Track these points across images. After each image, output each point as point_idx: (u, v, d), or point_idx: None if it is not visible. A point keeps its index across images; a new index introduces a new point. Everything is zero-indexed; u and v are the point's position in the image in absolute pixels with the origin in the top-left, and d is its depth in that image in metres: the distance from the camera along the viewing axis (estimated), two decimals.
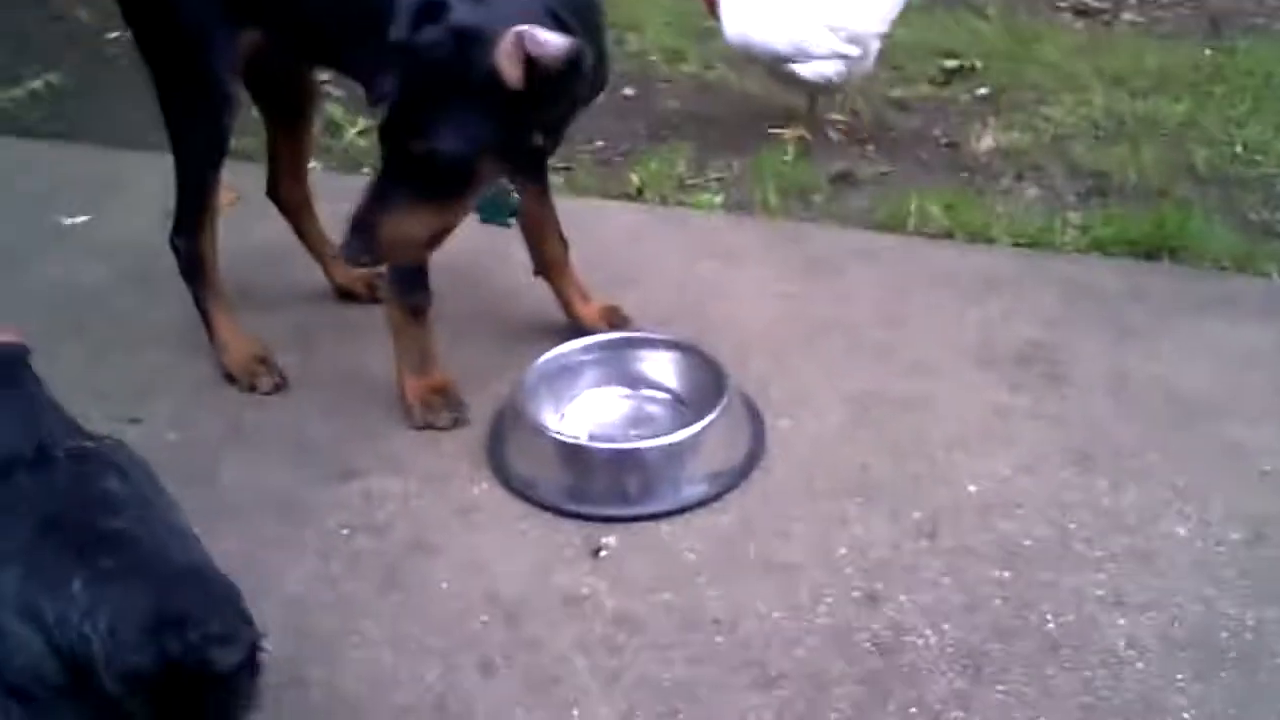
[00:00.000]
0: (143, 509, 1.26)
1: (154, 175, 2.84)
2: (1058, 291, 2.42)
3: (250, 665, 1.17)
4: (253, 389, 2.14)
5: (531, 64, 1.58)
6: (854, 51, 2.93)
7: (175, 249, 2.16)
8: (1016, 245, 2.64)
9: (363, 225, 1.68)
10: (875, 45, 3.00)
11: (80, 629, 1.12)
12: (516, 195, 1.94)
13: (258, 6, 1.95)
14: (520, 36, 1.58)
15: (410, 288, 2.01)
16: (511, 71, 1.59)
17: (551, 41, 1.59)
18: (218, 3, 1.94)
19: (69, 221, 2.69)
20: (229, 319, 2.19)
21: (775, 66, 3.01)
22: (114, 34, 3.72)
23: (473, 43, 1.60)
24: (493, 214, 1.95)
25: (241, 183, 2.48)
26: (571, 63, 1.59)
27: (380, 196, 1.68)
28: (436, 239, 1.78)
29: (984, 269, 2.51)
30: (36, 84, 3.39)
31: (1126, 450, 1.99)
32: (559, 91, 1.63)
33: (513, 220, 1.99)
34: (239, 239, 2.48)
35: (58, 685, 1.14)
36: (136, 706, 1.14)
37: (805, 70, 2.95)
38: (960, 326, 2.32)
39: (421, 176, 1.66)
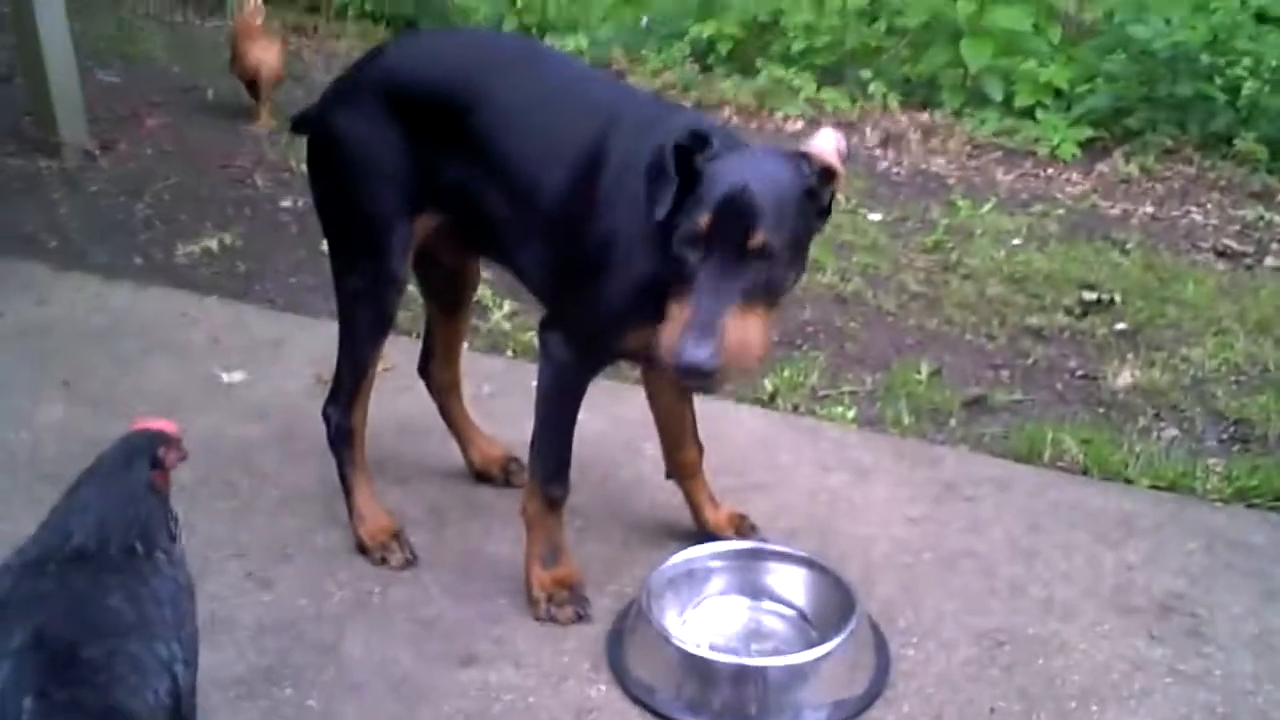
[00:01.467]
0: (129, 637, 1.35)
1: (310, 340, 3.00)
2: (1200, 541, 2.35)
3: None
4: (384, 562, 2.18)
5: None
6: None
7: (326, 418, 2.24)
8: (1155, 488, 2.58)
9: (707, 328, 1.66)
10: None
11: None
12: None
13: (439, 196, 2.06)
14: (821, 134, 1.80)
15: (552, 478, 2.04)
16: (835, 153, 1.77)
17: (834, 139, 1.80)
18: (401, 190, 2.05)
19: (227, 378, 2.82)
20: (369, 491, 2.25)
21: None
22: (286, 202, 3.97)
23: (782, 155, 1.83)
24: None
25: (391, 354, 2.58)
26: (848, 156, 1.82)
27: (711, 303, 1.68)
28: (765, 344, 1.76)
29: (1121, 510, 2.46)
30: (210, 242, 3.60)
31: (1272, 715, 1.89)
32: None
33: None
34: (382, 409, 2.56)
35: None
36: None
37: None
38: (1096, 569, 2.27)
39: (745, 280, 1.69)
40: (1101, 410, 2.94)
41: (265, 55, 4.64)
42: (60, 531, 1.45)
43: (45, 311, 3.13)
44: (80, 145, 4.21)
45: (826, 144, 1.77)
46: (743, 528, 2.28)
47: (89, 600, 1.38)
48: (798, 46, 5.90)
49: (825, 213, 1.80)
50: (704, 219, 1.69)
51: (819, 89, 5.66)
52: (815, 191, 1.75)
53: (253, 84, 4.74)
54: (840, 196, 1.72)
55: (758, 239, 1.68)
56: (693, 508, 2.29)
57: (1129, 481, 2.60)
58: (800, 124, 5.46)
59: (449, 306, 2.37)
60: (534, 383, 2.82)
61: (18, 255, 3.45)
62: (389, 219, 2.07)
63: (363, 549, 2.21)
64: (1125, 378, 3.08)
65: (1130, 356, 3.21)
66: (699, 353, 1.64)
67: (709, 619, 2.06)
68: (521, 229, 1.98)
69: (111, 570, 1.41)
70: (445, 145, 2.02)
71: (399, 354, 2.66)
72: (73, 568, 1.41)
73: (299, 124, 2.28)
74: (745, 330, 1.68)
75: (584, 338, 1.97)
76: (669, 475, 2.29)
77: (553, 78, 2.07)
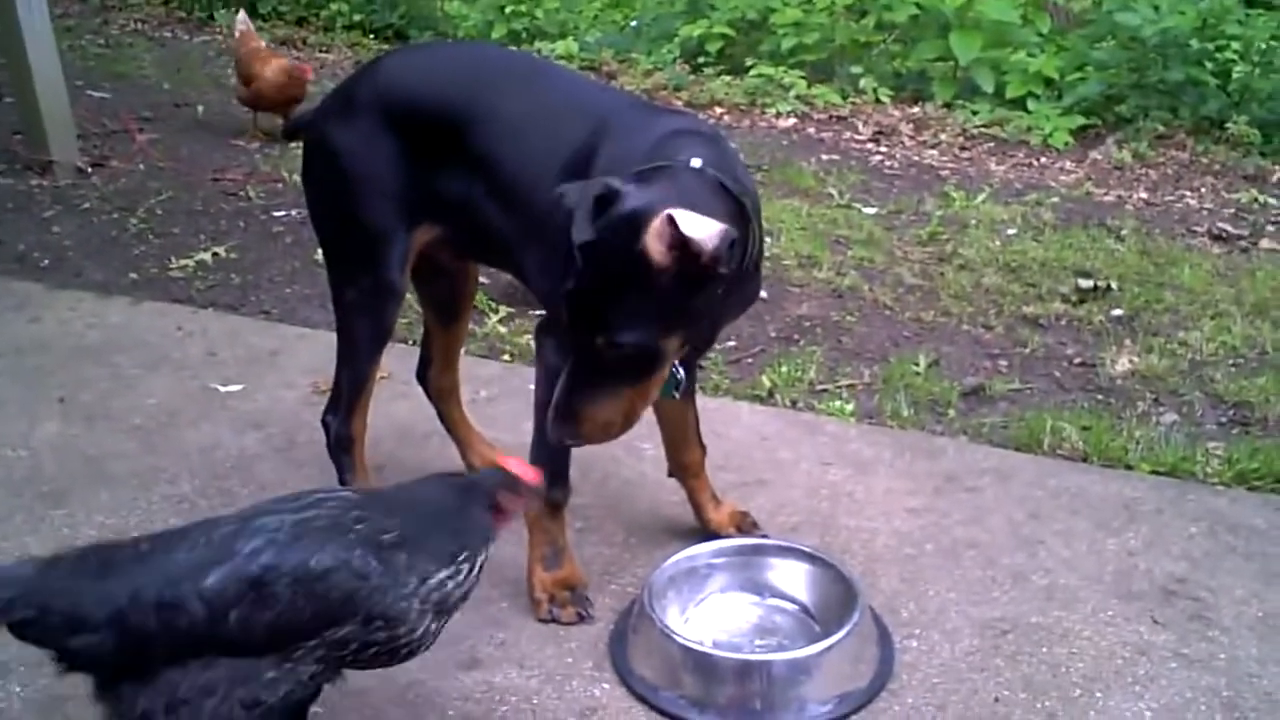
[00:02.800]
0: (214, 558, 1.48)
1: (307, 350, 3.00)
2: (1201, 525, 2.35)
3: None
4: None
5: (684, 246, 1.60)
6: None
7: (326, 426, 2.24)
8: (1155, 473, 2.58)
9: (565, 412, 1.73)
10: None
11: None
12: (681, 371, 1.92)
13: (436, 208, 2.07)
14: (671, 218, 1.60)
15: (552, 481, 2.04)
16: (659, 254, 1.62)
17: (702, 224, 1.60)
18: (398, 204, 2.06)
19: (224, 389, 2.82)
20: None
21: None
22: (280, 213, 3.97)
23: (634, 227, 1.63)
24: (664, 388, 1.96)
25: (388, 360, 2.58)
26: (730, 243, 1.62)
27: (575, 386, 1.72)
28: (633, 419, 1.80)
29: (1122, 496, 2.46)
30: (204, 255, 3.60)
31: (1277, 698, 1.89)
32: (715, 277, 1.65)
33: (678, 393, 1.97)
34: (380, 416, 2.56)
35: None
36: None
37: None
38: (1098, 555, 2.26)
39: (608, 366, 1.70)
40: (1100, 397, 2.94)
41: (266, 71, 4.63)
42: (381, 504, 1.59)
43: (39, 329, 3.12)
44: (71, 163, 4.22)
45: (696, 229, 1.63)
46: (745, 525, 2.28)
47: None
48: (787, 44, 5.91)
49: (711, 284, 1.67)
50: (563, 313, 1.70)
51: (809, 86, 5.68)
52: (680, 274, 1.63)
53: (256, 103, 4.73)
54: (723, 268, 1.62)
55: (602, 341, 1.68)
56: (695, 506, 2.28)
57: (1129, 467, 2.60)
58: (792, 120, 5.47)
59: (447, 315, 2.37)
60: (532, 387, 2.84)
61: (11, 274, 3.45)
62: (386, 232, 2.08)
63: None
64: (1123, 364, 3.08)
65: (1128, 342, 3.21)
66: (559, 433, 1.76)
67: (712, 616, 2.05)
68: (519, 236, 1.98)
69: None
70: (441, 158, 2.02)
71: (395, 361, 2.65)
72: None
73: (290, 130, 2.29)
74: (604, 413, 1.74)
75: None
76: (671, 474, 2.28)
77: (545, 87, 2.08)
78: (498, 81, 2.07)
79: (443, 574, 1.54)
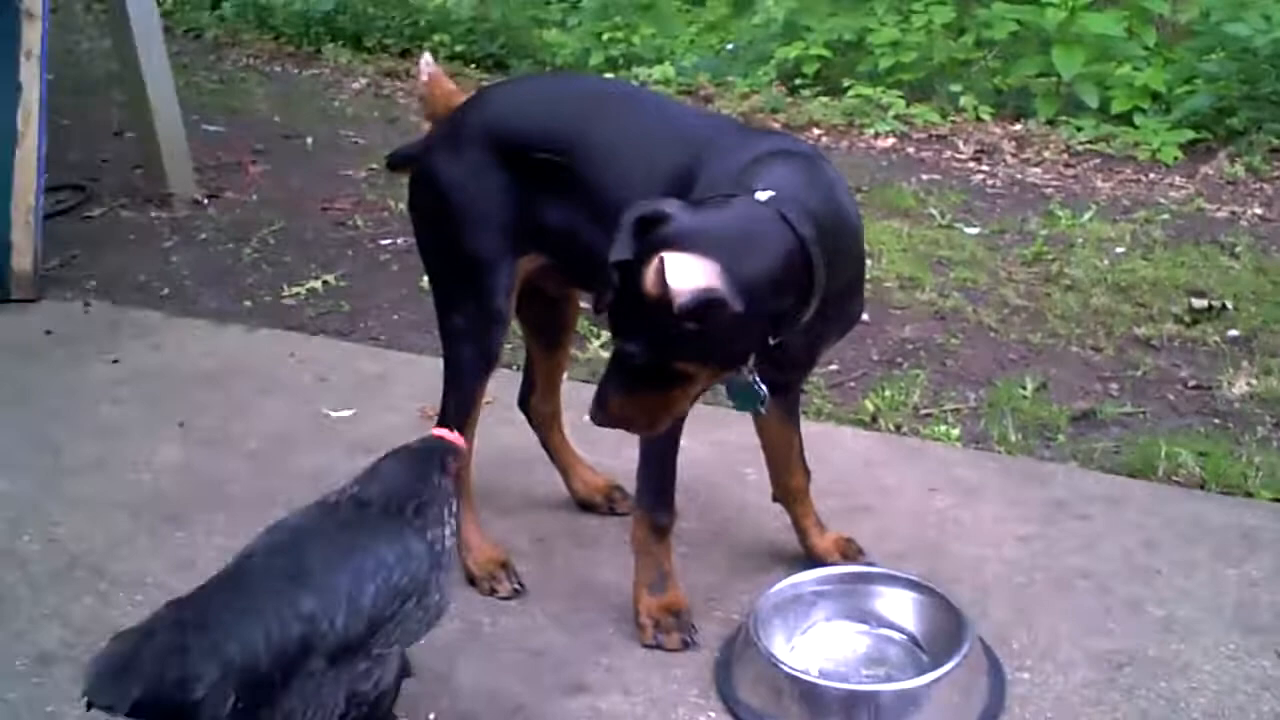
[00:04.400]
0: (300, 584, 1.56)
1: (414, 375, 3.06)
2: None
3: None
4: (492, 592, 2.21)
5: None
6: None
7: None
8: (1278, 501, 2.50)
9: (601, 400, 1.82)
10: None
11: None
12: (764, 388, 1.93)
13: (541, 237, 2.10)
14: (661, 263, 1.65)
15: (657, 505, 2.05)
16: (652, 292, 1.67)
17: (681, 278, 1.63)
18: (504, 233, 2.10)
19: (334, 414, 2.89)
20: (474, 523, 2.28)
21: None
22: (387, 241, 4.07)
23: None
24: (743, 402, 1.97)
25: (492, 386, 2.62)
26: (707, 303, 1.64)
27: (610, 380, 1.81)
28: (658, 421, 1.86)
29: (1242, 524, 2.38)
30: (315, 283, 3.70)
31: None
32: (721, 318, 1.67)
33: (764, 408, 1.98)
34: (485, 442, 2.59)
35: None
36: None
37: None
38: (1218, 586, 2.20)
39: (633, 371, 1.78)
40: (1217, 421, 2.86)
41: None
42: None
43: (159, 356, 3.24)
44: (189, 195, 4.37)
45: (678, 278, 1.65)
46: (849, 552, 2.26)
47: (327, 543, 1.63)
48: (885, 64, 5.87)
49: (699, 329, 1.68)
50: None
51: (908, 105, 5.62)
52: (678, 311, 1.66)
53: None
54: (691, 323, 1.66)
55: (619, 342, 1.78)
56: (799, 532, 2.27)
57: (1249, 494, 2.52)
58: (891, 140, 5.42)
59: (549, 341, 2.40)
60: None
61: (132, 303, 3.58)
62: (493, 261, 2.12)
63: (471, 580, 2.24)
64: (1241, 386, 2.99)
65: (1245, 364, 3.11)
66: (593, 414, 1.83)
67: (818, 645, 2.04)
68: None
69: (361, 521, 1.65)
70: (546, 187, 2.06)
71: (499, 386, 2.68)
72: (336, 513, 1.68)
73: (394, 163, 2.36)
74: (630, 409, 1.82)
75: None
76: (775, 499, 2.28)
77: (644, 113, 2.11)
78: (598, 110, 2.11)
79: (445, 535, 1.70)
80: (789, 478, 2.23)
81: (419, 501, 1.68)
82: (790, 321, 1.80)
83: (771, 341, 1.80)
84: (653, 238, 1.71)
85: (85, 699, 1.43)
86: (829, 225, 1.82)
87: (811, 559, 2.25)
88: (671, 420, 1.88)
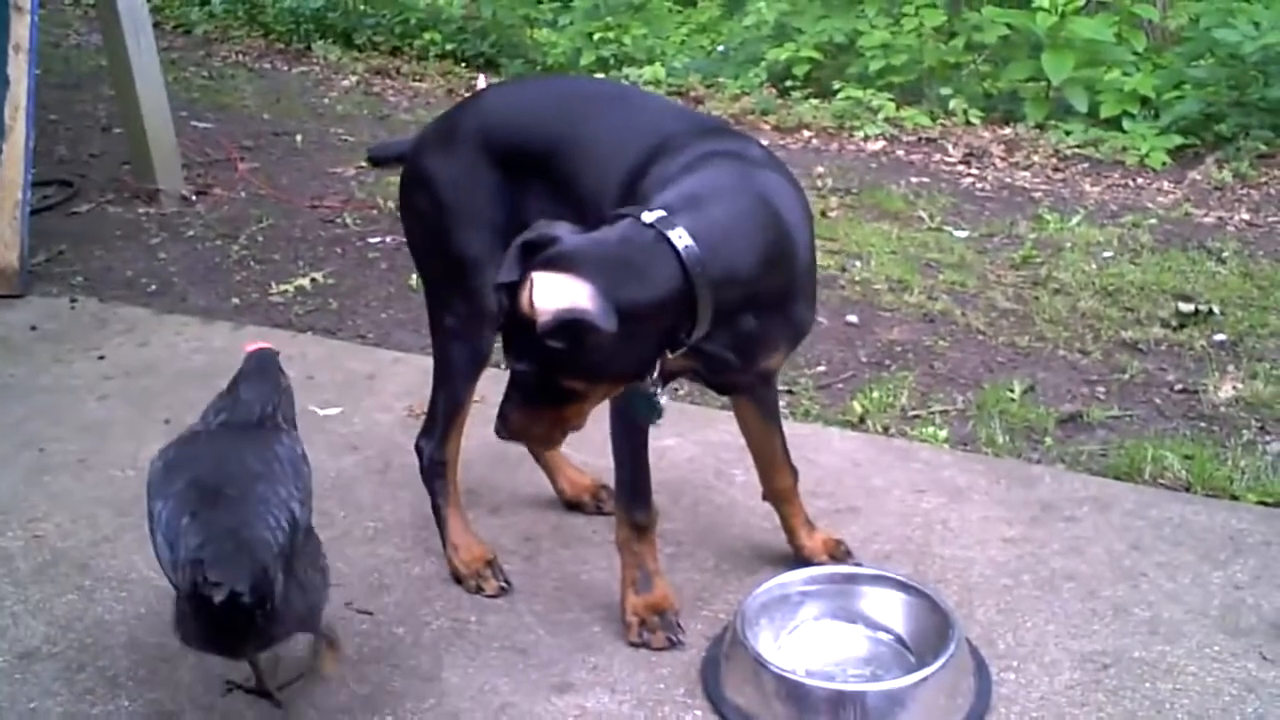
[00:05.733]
0: (258, 483, 1.78)
1: (402, 373, 3.06)
2: None
3: (240, 606, 1.61)
4: (479, 590, 2.21)
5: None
6: None
7: (419, 451, 2.28)
8: (1262, 503, 2.51)
9: (502, 415, 1.86)
10: None
11: (178, 553, 1.69)
12: (663, 400, 1.91)
13: None
14: (531, 284, 1.68)
15: (633, 504, 2.05)
16: (524, 312, 1.69)
17: (547, 300, 1.65)
18: (496, 233, 2.09)
19: (322, 412, 2.88)
20: (461, 521, 2.27)
21: None
22: (375, 239, 4.06)
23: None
24: (638, 412, 1.95)
25: (480, 385, 2.61)
26: (570, 323, 1.64)
27: (509, 395, 1.84)
28: (556, 435, 1.90)
29: (1228, 527, 2.39)
30: (303, 281, 3.69)
31: None
32: (585, 343, 1.67)
33: (659, 420, 1.95)
34: (473, 441, 2.59)
35: (177, 586, 1.70)
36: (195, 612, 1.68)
37: None
38: (1203, 588, 2.20)
39: (527, 385, 1.80)
40: (1203, 425, 2.87)
41: None
42: (219, 414, 1.95)
43: (146, 353, 3.23)
44: (177, 192, 4.36)
45: (544, 299, 1.67)
46: (838, 552, 2.26)
47: (228, 455, 1.84)
48: (875, 66, 5.88)
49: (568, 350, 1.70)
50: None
51: (898, 108, 5.64)
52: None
53: None
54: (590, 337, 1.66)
55: (510, 360, 1.81)
56: (788, 532, 2.28)
57: (1235, 498, 2.53)
58: (881, 143, 5.43)
59: None
60: None
61: (120, 300, 3.57)
62: (484, 260, 2.11)
63: (458, 578, 2.23)
64: (1227, 390, 3.00)
65: (1231, 368, 3.13)
66: (497, 429, 1.87)
67: (805, 644, 2.04)
68: None
69: (245, 436, 1.89)
70: (537, 190, 2.07)
71: (487, 385, 2.68)
72: (220, 435, 1.91)
73: (375, 158, 2.40)
74: (528, 424, 1.86)
75: None
76: (765, 498, 2.28)
77: (626, 114, 2.10)
78: (584, 111, 2.11)
79: (295, 427, 1.98)
80: (775, 478, 2.23)
81: (282, 411, 1.95)
82: (678, 340, 1.80)
83: (670, 355, 1.81)
84: (536, 260, 1.73)
85: (213, 585, 1.60)
86: (739, 238, 1.80)
87: (799, 559, 2.25)
88: (570, 431, 1.89)
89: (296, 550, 1.75)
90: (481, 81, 3.99)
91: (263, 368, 2.00)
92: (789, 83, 6.05)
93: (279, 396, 1.97)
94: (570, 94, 2.26)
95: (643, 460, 2.07)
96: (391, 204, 4.08)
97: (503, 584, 2.21)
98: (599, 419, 2.81)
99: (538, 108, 2.17)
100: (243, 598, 1.60)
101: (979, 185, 4.90)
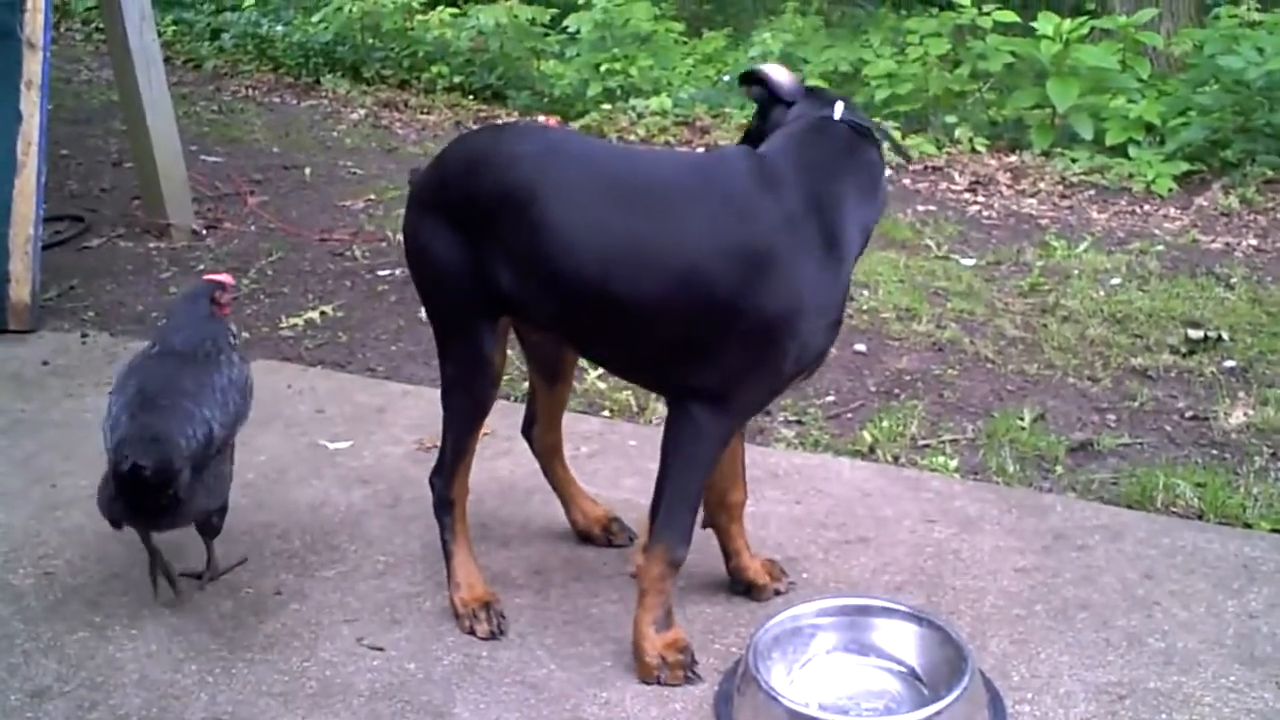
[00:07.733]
0: (186, 400, 2.19)
1: (412, 406, 3.06)
2: None
3: (146, 483, 2.06)
4: (471, 631, 2.18)
5: None
6: None
7: (432, 485, 2.28)
8: (1276, 531, 2.50)
9: None
10: None
11: (112, 439, 2.14)
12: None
13: (509, 304, 2.10)
14: None
15: (679, 542, 2.04)
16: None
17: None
18: (473, 298, 2.11)
19: (332, 446, 2.89)
20: (467, 559, 2.26)
21: None
22: (385, 271, 4.07)
23: None
24: None
25: (490, 418, 2.61)
26: None
27: None
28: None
29: (1241, 555, 2.38)
30: (313, 314, 3.70)
31: None
32: None
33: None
34: (486, 473, 2.60)
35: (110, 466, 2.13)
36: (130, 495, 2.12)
37: None
38: (1218, 618, 2.19)
39: None
40: (1215, 452, 2.86)
41: None
42: (162, 338, 2.35)
43: None
44: (187, 226, 4.38)
45: None
46: (775, 573, 2.28)
47: (171, 376, 2.25)
48: (880, 95, 5.91)
49: None
50: None
51: (904, 136, 5.66)
52: None
53: None
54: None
55: None
56: (728, 554, 2.27)
57: (1248, 525, 2.52)
58: (887, 171, 5.44)
59: (550, 374, 2.39)
60: (631, 443, 2.86)
61: (131, 334, 3.58)
62: (470, 322, 2.15)
63: (456, 615, 2.22)
64: (1238, 417, 2.99)
65: (1242, 395, 3.12)
66: None
67: (817, 678, 2.03)
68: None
69: (189, 362, 2.27)
70: (498, 253, 2.07)
71: (498, 418, 2.68)
72: (170, 358, 2.29)
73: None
74: None
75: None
76: (707, 524, 2.26)
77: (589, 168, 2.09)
78: (545, 164, 2.07)
79: (234, 351, 2.35)
80: (732, 491, 2.22)
81: (213, 341, 2.30)
82: None
83: None
84: None
85: (126, 459, 2.05)
86: None
87: (737, 581, 2.26)
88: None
89: (208, 460, 2.17)
90: (542, 120, 3.99)
91: (196, 298, 2.36)
92: None
93: (212, 325, 2.32)
94: (522, 149, 2.14)
95: (700, 500, 2.08)
96: (400, 236, 4.10)
97: (494, 628, 2.18)
98: (617, 452, 2.82)
99: (492, 169, 2.10)
100: (145, 471, 2.03)
101: (986, 213, 4.91)
